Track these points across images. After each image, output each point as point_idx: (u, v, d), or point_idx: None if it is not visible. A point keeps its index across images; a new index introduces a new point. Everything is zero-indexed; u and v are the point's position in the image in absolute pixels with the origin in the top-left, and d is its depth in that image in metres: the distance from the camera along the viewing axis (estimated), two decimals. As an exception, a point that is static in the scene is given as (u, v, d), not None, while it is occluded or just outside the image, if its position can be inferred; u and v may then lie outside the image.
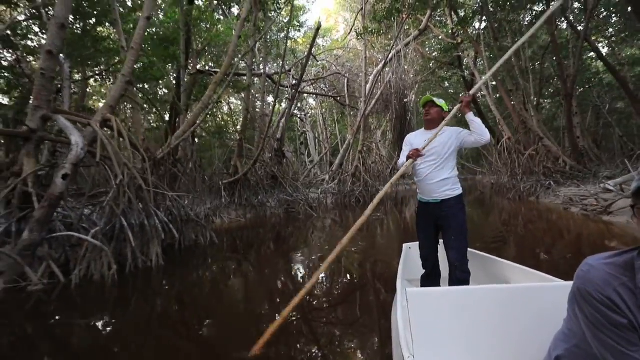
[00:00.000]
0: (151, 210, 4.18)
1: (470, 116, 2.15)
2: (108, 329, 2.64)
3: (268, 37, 12.72)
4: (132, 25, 9.81)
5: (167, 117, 11.38)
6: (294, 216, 8.99)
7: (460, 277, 2.07)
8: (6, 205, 3.89)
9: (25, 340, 2.47)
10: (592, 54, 15.95)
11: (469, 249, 2.21)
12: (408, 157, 2.20)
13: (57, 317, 2.85)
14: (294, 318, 2.57)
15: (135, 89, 7.90)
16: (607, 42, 17.85)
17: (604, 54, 18.66)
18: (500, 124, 15.27)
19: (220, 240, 5.64)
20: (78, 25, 10.04)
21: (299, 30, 16.70)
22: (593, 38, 16.22)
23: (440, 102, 2.31)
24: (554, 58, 14.17)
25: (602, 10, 15.68)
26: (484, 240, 5.00)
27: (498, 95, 15.90)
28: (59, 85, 11.16)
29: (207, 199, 8.18)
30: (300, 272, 4.03)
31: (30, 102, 4.38)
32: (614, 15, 16.25)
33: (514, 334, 1.31)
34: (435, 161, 2.18)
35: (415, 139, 2.32)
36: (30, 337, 2.51)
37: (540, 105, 18.26)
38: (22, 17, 9.35)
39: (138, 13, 10.07)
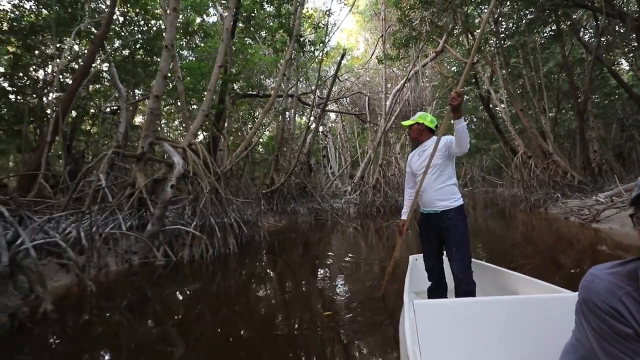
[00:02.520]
0: (227, 212, 5.61)
1: (458, 124, 1.98)
2: (211, 291, 3.85)
3: (297, 62, 14.38)
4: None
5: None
6: (322, 223, 10.26)
7: (465, 288, 2.06)
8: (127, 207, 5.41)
9: (152, 299, 3.68)
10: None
11: (473, 260, 2.21)
12: (399, 229, 2.55)
13: (174, 284, 4.17)
14: (303, 329, 2.68)
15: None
16: (626, 58, 18.18)
17: (626, 69, 19.01)
18: (515, 138, 16.07)
19: (271, 240, 6.95)
20: (124, 52, 11.67)
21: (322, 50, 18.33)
22: (616, 51, 16.63)
23: (417, 115, 2.45)
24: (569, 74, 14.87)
25: (621, 25, 16.07)
26: (500, 243, 5.99)
27: (514, 111, 16.68)
28: (117, 107, 13.09)
29: (249, 206, 9.64)
30: (336, 267, 5.15)
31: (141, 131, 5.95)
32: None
33: (522, 345, 1.30)
34: (432, 169, 2.24)
35: (411, 160, 2.47)
36: (155, 297, 3.69)
37: (558, 118, 18.76)
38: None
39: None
